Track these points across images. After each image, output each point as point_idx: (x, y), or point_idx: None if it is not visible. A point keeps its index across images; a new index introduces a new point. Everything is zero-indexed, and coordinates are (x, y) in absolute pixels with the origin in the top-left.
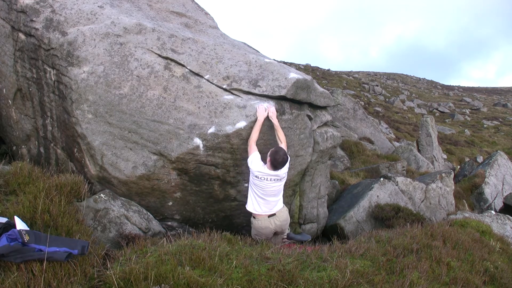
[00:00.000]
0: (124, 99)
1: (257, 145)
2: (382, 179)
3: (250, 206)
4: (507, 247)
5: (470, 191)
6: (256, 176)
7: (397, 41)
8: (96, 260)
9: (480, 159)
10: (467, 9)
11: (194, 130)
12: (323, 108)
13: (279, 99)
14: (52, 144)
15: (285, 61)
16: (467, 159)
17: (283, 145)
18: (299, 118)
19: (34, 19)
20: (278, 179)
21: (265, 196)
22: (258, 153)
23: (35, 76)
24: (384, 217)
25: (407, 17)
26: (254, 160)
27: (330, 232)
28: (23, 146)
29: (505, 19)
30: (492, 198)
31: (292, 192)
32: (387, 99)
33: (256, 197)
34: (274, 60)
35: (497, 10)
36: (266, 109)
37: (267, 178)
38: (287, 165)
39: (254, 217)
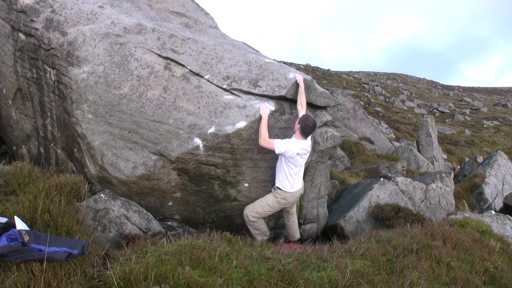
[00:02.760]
0: (124, 99)
1: (256, 145)
2: (382, 179)
3: (284, 185)
4: (507, 247)
5: (470, 191)
6: (291, 157)
7: (395, 41)
8: (96, 260)
9: (480, 159)
10: (466, 9)
11: (194, 130)
12: (323, 108)
13: (279, 99)
14: (52, 144)
15: (285, 61)
16: (467, 159)
17: (303, 110)
18: None
19: (34, 19)
20: (306, 153)
21: (297, 172)
22: (278, 139)
23: (35, 76)
24: (384, 217)
25: (404, 17)
26: (283, 144)
27: (330, 232)
28: (23, 146)
29: (503, 20)
30: (492, 198)
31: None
32: (387, 99)
33: (290, 176)
34: (274, 60)
35: (495, 11)
36: (267, 107)
37: (300, 154)
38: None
39: (284, 191)
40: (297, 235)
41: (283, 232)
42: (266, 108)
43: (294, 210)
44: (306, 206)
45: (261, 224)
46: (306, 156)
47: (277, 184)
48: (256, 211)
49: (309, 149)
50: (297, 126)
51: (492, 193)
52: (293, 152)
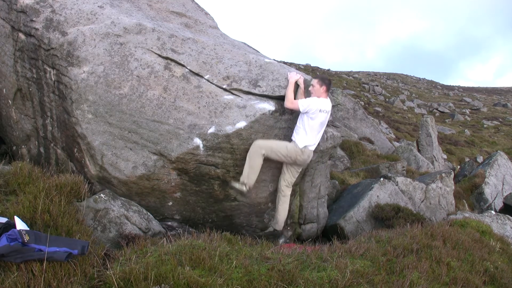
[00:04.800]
0: (124, 99)
1: None
2: (382, 179)
3: (301, 139)
4: (507, 247)
5: (470, 191)
6: (313, 113)
7: (394, 41)
8: (96, 260)
9: (480, 159)
10: (465, 10)
11: (194, 130)
12: None
13: (279, 99)
14: (52, 144)
15: (285, 61)
16: (467, 159)
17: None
18: None
19: (34, 19)
20: (328, 111)
21: (318, 129)
22: (301, 99)
23: (35, 76)
24: (384, 217)
25: (403, 17)
26: (306, 102)
27: (330, 232)
28: (23, 146)
29: (503, 20)
30: (492, 198)
31: (292, 192)
32: (387, 99)
33: (310, 131)
34: (274, 60)
35: (495, 11)
36: (296, 73)
37: (322, 110)
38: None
39: (300, 149)
40: (280, 226)
41: (283, 232)
42: (294, 74)
43: (289, 193)
44: (306, 206)
45: (259, 166)
46: (328, 115)
47: (294, 139)
48: (270, 145)
49: (330, 108)
50: (315, 86)
51: (492, 193)
52: (316, 109)
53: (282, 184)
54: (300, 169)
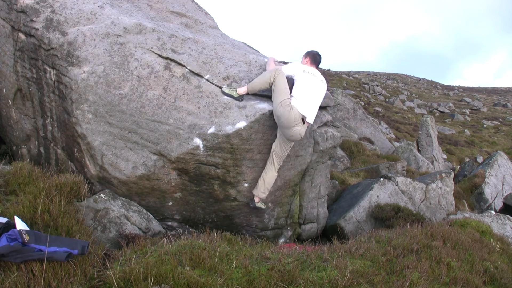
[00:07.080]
0: (124, 99)
1: (256, 145)
2: (382, 179)
3: (293, 101)
4: (507, 247)
5: (470, 191)
6: (302, 71)
7: (393, 42)
8: (96, 260)
9: (480, 159)
10: (464, 10)
11: (194, 130)
12: (323, 108)
13: None
14: (52, 144)
15: (285, 61)
16: (467, 159)
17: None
18: None
19: (34, 19)
20: (318, 76)
21: (309, 98)
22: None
23: (35, 76)
24: (384, 217)
25: (402, 18)
26: (289, 65)
27: (330, 232)
28: (23, 146)
29: (503, 20)
30: (492, 198)
31: (292, 192)
32: (387, 99)
33: (300, 97)
34: None
35: (494, 11)
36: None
37: (308, 72)
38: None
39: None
40: (258, 192)
41: (283, 232)
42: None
43: (277, 165)
44: (306, 206)
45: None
46: (320, 82)
47: (296, 107)
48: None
49: (319, 74)
50: (305, 58)
51: (492, 193)
52: (299, 70)
53: (273, 155)
54: (291, 145)
